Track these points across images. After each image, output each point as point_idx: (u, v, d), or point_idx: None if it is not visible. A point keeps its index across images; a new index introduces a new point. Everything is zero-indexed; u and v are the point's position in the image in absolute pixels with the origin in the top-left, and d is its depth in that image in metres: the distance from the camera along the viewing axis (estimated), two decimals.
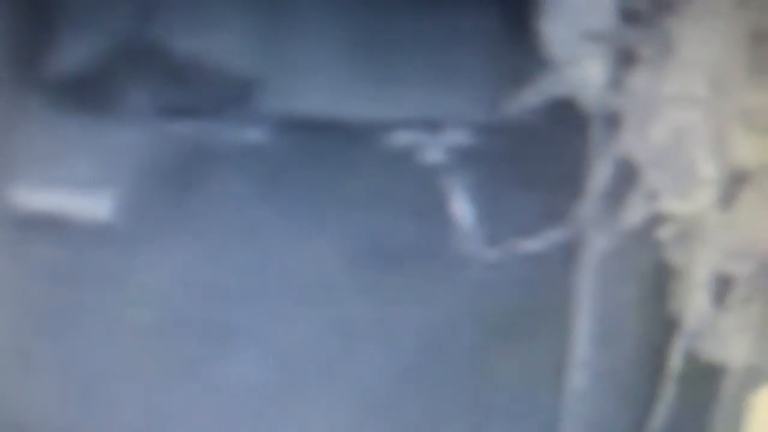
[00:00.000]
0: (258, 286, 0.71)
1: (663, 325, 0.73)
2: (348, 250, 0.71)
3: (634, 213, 0.72)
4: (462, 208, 0.72)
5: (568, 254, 0.72)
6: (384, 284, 0.71)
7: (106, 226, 0.71)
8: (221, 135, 0.71)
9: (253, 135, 0.72)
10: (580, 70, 0.69)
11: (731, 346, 0.71)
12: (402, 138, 0.71)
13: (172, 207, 0.71)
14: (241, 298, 0.71)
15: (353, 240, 0.71)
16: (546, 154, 0.71)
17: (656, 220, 0.72)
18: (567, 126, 0.72)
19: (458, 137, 0.72)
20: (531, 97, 0.72)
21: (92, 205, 0.71)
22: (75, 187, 0.71)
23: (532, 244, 0.72)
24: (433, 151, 0.72)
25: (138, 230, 0.72)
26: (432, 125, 0.71)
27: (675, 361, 0.72)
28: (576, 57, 0.69)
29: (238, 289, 0.71)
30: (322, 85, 0.70)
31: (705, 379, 0.74)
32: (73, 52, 0.70)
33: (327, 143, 0.72)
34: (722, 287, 0.72)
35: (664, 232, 0.72)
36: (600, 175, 0.72)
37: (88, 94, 0.70)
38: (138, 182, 0.72)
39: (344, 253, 0.70)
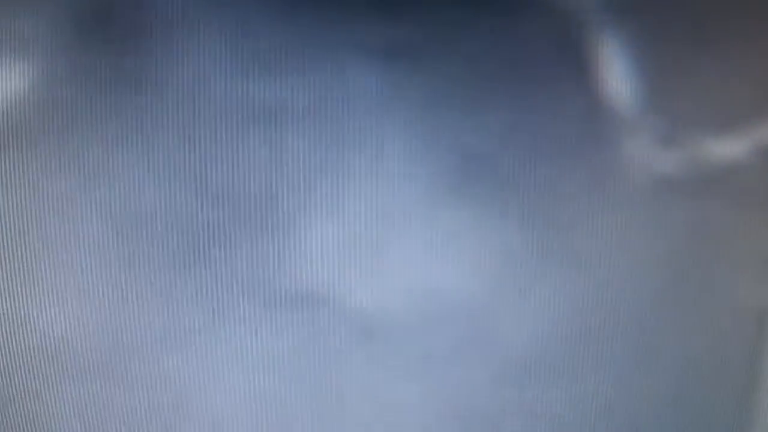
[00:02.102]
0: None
1: None
2: (444, 153, 0.47)
3: None
4: (621, 81, 0.48)
5: None
6: (489, 202, 0.43)
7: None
8: None
9: None
10: None
11: None
12: None
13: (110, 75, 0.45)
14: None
15: (449, 135, 0.47)
16: None
17: None
18: None
19: None
20: None
21: None
22: None
23: (727, 145, 0.48)
24: None
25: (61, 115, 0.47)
26: None
27: None
28: None
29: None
30: None
31: None
32: None
33: None
34: None
35: None
36: None
37: None
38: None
39: (434, 161, 0.47)
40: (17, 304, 0.47)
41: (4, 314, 0.47)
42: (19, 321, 0.47)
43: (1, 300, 0.47)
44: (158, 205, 0.46)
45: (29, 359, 0.48)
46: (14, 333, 0.47)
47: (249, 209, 0.46)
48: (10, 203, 0.46)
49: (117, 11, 0.45)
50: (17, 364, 0.47)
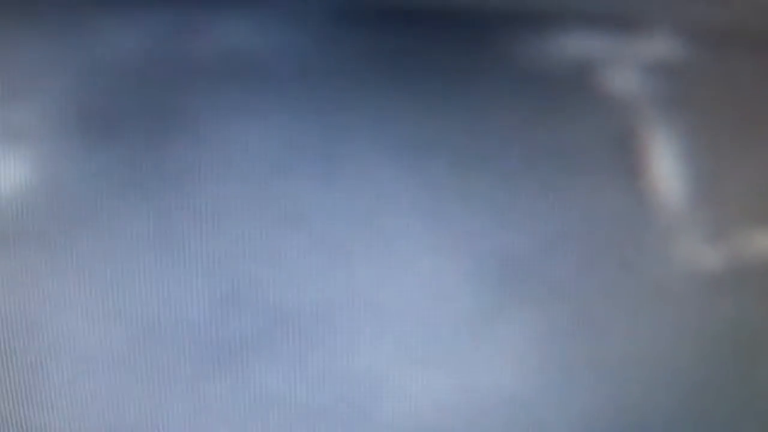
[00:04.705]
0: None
1: None
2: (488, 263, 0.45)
3: None
4: (666, 172, 0.46)
5: None
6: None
7: None
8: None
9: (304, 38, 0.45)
10: None
11: None
12: (572, 45, 0.46)
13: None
14: None
15: (492, 243, 0.45)
16: None
17: None
18: None
19: (662, 48, 0.46)
20: None
21: None
22: None
23: None
24: (623, 69, 0.46)
25: None
26: (622, 26, 0.46)
27: None
28: None
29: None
30: None
31: None
32: None
33: (441, 46, 0.45)
34: None
35: None
36: None
37: None
38: None
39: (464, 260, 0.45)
40: (23, 410, 0.44)
41: (7, 420, 0.45)
42: (23, 427, 0.44)
43: (6, 403, 0.45)
44: (183, 311, 0.43)
45: None
46: None
47: (282, 317, 0.43)
48: (18, 304, 0.44)
49: (135, 108, 0.43)
50: None
